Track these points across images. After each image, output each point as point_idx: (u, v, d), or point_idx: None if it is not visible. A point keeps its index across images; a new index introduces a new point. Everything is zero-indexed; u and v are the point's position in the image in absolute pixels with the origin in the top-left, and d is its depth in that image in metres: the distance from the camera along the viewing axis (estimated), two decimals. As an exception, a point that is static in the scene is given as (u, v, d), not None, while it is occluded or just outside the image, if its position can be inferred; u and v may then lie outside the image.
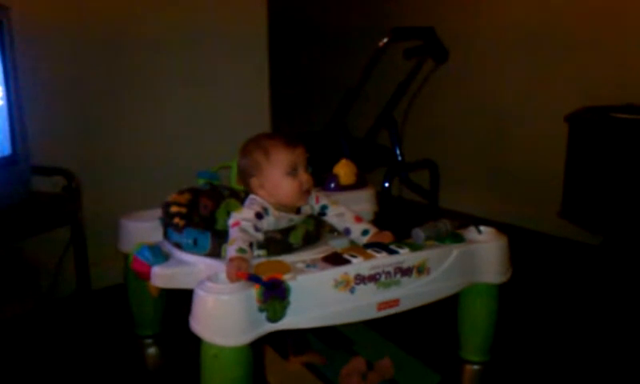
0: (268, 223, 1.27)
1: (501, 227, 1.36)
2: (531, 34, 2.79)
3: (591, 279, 2.26)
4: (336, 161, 1.69)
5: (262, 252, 1.21)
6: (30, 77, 1.79)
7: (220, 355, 1.01)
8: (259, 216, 1.24)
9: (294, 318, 1.05)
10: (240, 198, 1.47)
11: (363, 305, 1.12)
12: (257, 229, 1.21)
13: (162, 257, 1.26)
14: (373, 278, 1.11)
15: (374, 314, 1.13)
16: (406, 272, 1.15)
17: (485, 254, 1.28)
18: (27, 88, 1.72)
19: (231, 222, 1.21)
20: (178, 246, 1.27)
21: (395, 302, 1.15)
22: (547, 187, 2.66)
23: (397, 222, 1.51)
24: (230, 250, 1.11)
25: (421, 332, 1.75)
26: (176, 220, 1.30)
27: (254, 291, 1.01)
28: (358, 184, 1.65)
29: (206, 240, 1.23)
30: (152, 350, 1.58)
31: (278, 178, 1.28)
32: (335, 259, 1.13)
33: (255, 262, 1.12)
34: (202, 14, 2.31)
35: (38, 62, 1.92)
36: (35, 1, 1.95)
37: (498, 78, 2.99)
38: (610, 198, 2.16)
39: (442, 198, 2.69)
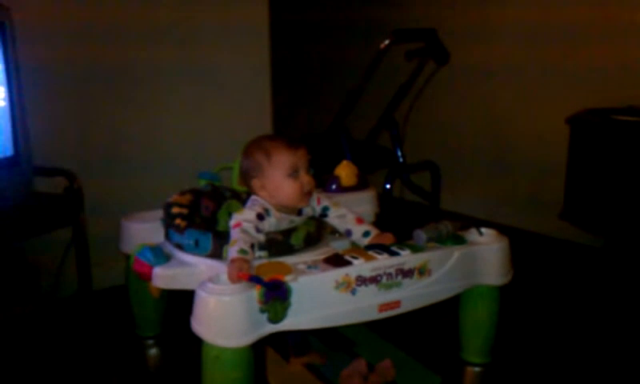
0: (269, 224, 1.27)
1: (502, 229, 1.36)
2: (532, 36, 2.80)
3: (592, 281, 2.26)
4: (337, 162, 1.69)
5: (263, 253, 1.21)
6: (32, 78, 1.79)
7: (221, 356, 1.01)
8: (260, 217, 1.25)
9: (295, 319, 1.05)
10: (241, 199, 1.47)
11: (364, 306, 1.12)
12: (258, 230, 1.21)
13: (164, 258, 1.26)
14: (374, 280, 1.11)
15: (375, 315, 1.13)
16: (407, 273, 1.15)
17: (486, 256, 1.28)
18: (29, 89, 1.72)
19: (232, 223, 1.21)
20: (180, 246, 1.28)
21: (396, 304, 1.15)
22: (548, 189, 2.66)
23: (398, 224, 1.51)
24: (232, 251, 1.12)
25: (422, 334, 1.75)
26: (177, 221, 1.30)
27: (256, 292, 1.01)
28: (360, 185, 1.65)
29: (208, 241, 1.23)
30: (153, 351, 1.58)
31: (279, 180, 1.28)
32: (336, 260, 1.13)
33: (256, 263, 1.12)
34: (204, 15, 2.32)
35: (39, 63, 1.92)
36: (37, 1, 1.96)
37: (500, 80, 2.99)
38: (611, 200, 2.16)
39: (444, 200, 2.69)
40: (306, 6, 4.21)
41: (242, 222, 1.20)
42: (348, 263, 1.11)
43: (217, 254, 1.22)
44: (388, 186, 2.41)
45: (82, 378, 1.61)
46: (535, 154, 2.83)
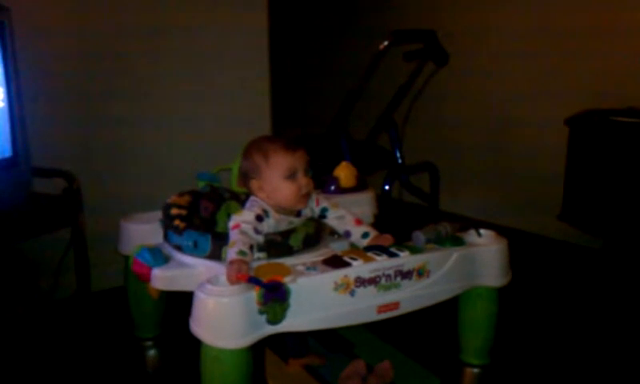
0: (268, 226, 1.27)
1: (501, 230, 1.36)
2: (532, 36, 2.80)
3: (591, 283, 2.26)
4: (336, 163, 1.69)
5: (262, 254, 1.21)
6: (31, 78, 1.79)
7: (220, 357, 1.02)
8: (259, 218, 1.25)
9: (294, 321, 1.05)
10: (240, 200, 1.47)
11: (363, 307, 1.12)
12: (257, 231, 1.21)
13: (162, 259, 1.26)
14: (373, 281, 1.11)
15: (374, 316, 1.13)
16: (406, 275, 1.15)
17: (485, 257, 1.28)
18: (28, 90, 1.72)
19: (231, 224, 1.21)
20: (179, 248, 1.28)
21: (395, 305, 1.15)
22: (548, 190, 2.66)
23: (397, 225, 1.51)
24: (231, 253, 1.12)
25: (421, 335, 1.75)
26: (176, 222, 1.30)
27: (254, 293, 1.01)
28: (359, 187, 1.65)
29: (207, 242, 1.23)
30: (152, 352, 1.58)
31: (277, 182, 1.28)
32: (335, 262, 1.13)
33: (255, 264, 1.12)
34: (203, 16, 2.31)
35: (38, 64, 1.92)
36: (36, 2, 1.96)
37: (499, 80, 2.99)
38: (610, 201, 2.17)
39: (442, 201, 2.69)
40: (306, 7, 4.21)
41: (241, 223, 1.20)
42: (347, 264, 1.12)
43: (216, 256, 1.22)
44: (387, 187, 2.41)
45: (81, 379, 1.61)
46: (534, 155, 2.84)
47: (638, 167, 2.05)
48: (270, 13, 2.52)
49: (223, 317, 1.00)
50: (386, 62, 2.41)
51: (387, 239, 1.30)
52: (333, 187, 1.62)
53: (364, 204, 1.62)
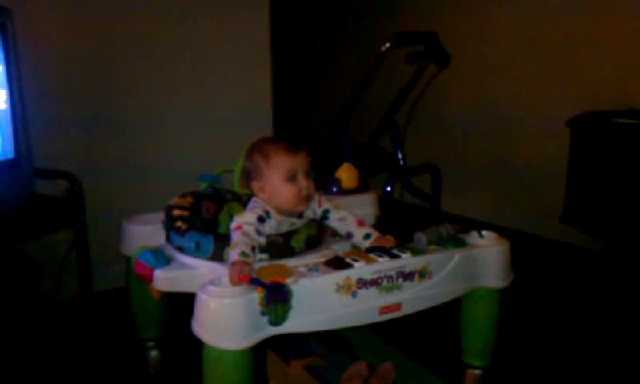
0: (270, 227, 1.27)
1: (503, 232, 1.36)
2: (533, 39, 2.80)
3: (593, 284, 2.26)
4: (338, 165, 1.69)
5: (264, 256, 1.21)
6: (33, 80, 1.80)
7: (222, 358, 1.02)
8: (261, 219, 1.25)
9: (296, 322, 1.05)
10: (242, 201, 1.47)
11: (365, 309, 1.12)
12: (259, 232, 1.21)
13: (164, 260, 1.26)
14: (375, 282, 1.11)
15: (376, 318, 1.13)
16: (407, 276, 1.15)
17: (487, 259, 1.28)
18: (30, 91, 1.72)
19: (233, 225, 1.22)
20: (181, 249, 1.28)
21: (397, 306, 1.15)
22: (549, 192, 2.66)
23: (399, 227, 1.51)
24: (233, 254, 1.12)
25: (423, 336, 1.75)
26: (178, 223, 1.30)
27: (257, 295, 1.01)
28: (360, 188, 1.65)
29: (209, 243, 1.23)
30: (154, 353, 1.58)
31: (277, 183, 1.28)
32: (337, 263, 1.13)
33: (257, 265, 1.12)
34: (205, 17, 2.32)
35: (41, 65, 1.93)
36: (38, 4, 1.96)
37: (500, 82, 2.99)
38: (612, 203, 2.16)
39: (444, 203, 2.69)
40: (308, 8, 4.21)
41: (243, 224, 1.20)
42: (349, 266, 1.12)
43: (218, 257, 1.22)
44: (389, 189, 2.41)
45: (83, 380, 1.61)
46: (536, 156, 2.83)
47: (639, 169, 2.05)
48: (272, 14, 2.52)
49: (225, 318, 1.01)
50: (387, 63, 2.42)
51: (389, 240, 1.30)
52: (334, 189, 1.62)
53: (366, 205, 1.62)
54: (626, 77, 2.42)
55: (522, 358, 1.69)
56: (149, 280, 1.25)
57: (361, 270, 1.11)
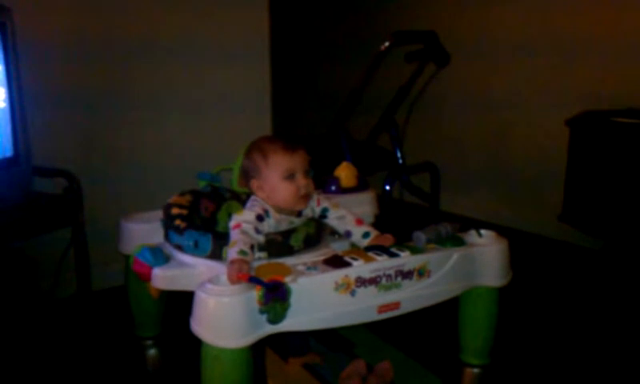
0: (269, 225, 1.27)
1: (501, 230, 1.36)
2: (532, 38, 2.80)
3: (591, 283, 2.26)
4: (337, 163, 1.69)
5: (262, 254, 1.21)
6: (32, 78, 1.80)
7: (220, 357, 1.01)
8: (260, 218, 1.25)
9: (295, 320, 1.05)
10: (241, 200, 1.47)
11: (364, 307, 1.12)
12: (258, 231, 1.21)
13: (163, 258, 1.26)
14: (373, 281, 1.11)
15: (375, 316, 1.13)
16: (406, 275, 1.15)
17: (485, 258, 1.28)
18: (29, 90, 1.72)
19: (232, 224, 1.22)
20: (179, 247, 1.28)
21: (396, 305, 1.15)
22: (548, 191, 2.67)
23: (398, 225, 1.51)
24: (231, 252, 1.12)
25: (421, 335, 1.75)
26: (177, 222, 1.30)
27: (255, 293, 1.01)
28: (359, 187, 1.65)
29: (207, 242, 1.23)
30: (152, 352, 1.58)
31: (276, 182, 1.28)
32: (336, 262, 1.13)
33: (256, 264, 1.12)
34: (204, 15, 2.32)
35: (40, 64, 1.93)
36: (37, 3, 1.96)
37: (499, 81, 2.99)
38: (610, 202, 2.17)
39: (443, 201, 2.69)
40: (307, 7, 4.21)
41: (242, 223, 1.20)
42: (347, 264, 1.12)
43: (216, 255, 1.22)
44: (388, 188, 2.41)
45: (81, 378, 1.61)
46: (535, 155, 2.84)
47: (638, 168, 2.05)
48: (271, 13, 2.52)
49: (224, 316, 1.00)
50: (386, 62, 2.42)
51: (388, 239, 1.30)
52: (333, 187, 1.62)
53: (365, 204, 1.62)
54: (625, 76, 2.43)
55: (521, 357, 1.70)
56: (147, 278, 1.25)
57: (360, 268, 1.11)
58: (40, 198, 1.77)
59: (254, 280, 1.02)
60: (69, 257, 1.87)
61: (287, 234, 1.27)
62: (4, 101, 1.61)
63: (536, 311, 2.02)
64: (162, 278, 1.23)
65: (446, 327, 1.43)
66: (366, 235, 1.34)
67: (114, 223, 1.50)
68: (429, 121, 3.18)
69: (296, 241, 1.26)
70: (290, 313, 1.04)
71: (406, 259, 1.15)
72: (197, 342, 1.03)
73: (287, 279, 1.04)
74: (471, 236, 1.32)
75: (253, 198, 1.32)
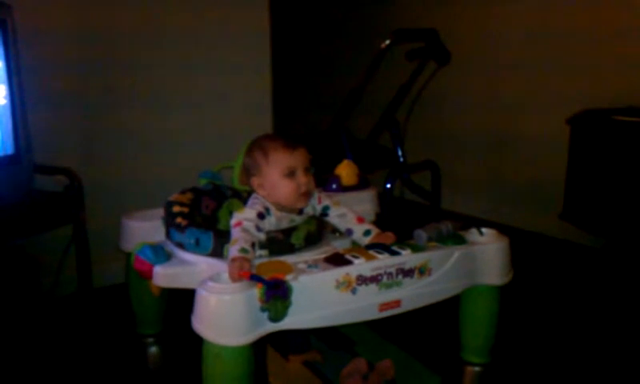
0: (270, 223, 1.27)
1: (502, 229, 1.36)
2: (533, 36, 2.80)
3: (592, 282, 2.26)
4: (338, 162, 1.69)
5: (263, 252, 1.22)
6: (33, 76, 1.79)
7: (222, 354, 1.02)
8: (261, 216, 1.25)
9: (296, 318, 1.05)
10: (242, 198, 1.47)
11: (365, 305, 1.12)
12: (259, 229, 1.21)
13: (164, 256, 1.26)
14: (374, 279, 1.11)
15: (376, 314, 1.13)
16: (407, 273, 1.15)
17: (486, 256, 1.28)
18: (30, 87, 1.72)
19: (233, 222, 1.22)
20: (180, 245, 1.28)
21: (397, 303, 1.15)
22: (549, 189, 2.67)
23: (398, 223, 1.51)
24: (232, 250, 1.12)
25: (422, 333, 1.75)
26: (178, 219, 1.30)
27: (256, 291, 1.01)
28: (360, 185, 1.65)
29: (208, 240, 1.23)
30: (153, 349, 1.58)
31: (276, 180, 1.28)
32: (337, 260, 1.13)
33: (257, 262, 1.12)
34: (205, 15, 2.32)
35: (41, 61, 1.93)
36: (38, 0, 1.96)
37: (500, 79, 2.99)
38: (611, 200, 2.16)
39: (444, 200, 2.69)
40: (308, 5, 4.21)
41: (243, 220, 1.21)
42: (348, 262, 1.12)
43: (217, 253, 1.22)
44: (389, 186, 2.41)
45: (82, 376, 1.62)
46: (536, 153, 2.84)
47: (639, 166, 2.05)
48: (272, 11, 2.52)
49: (225, 314, 1.01)
50: (387, 60, 2.41)
51: (389, 237, 1.30)
52: (334, 185, 1.62)
53: (366, 202, 1.62)
54: (626, 74, 2.42)
55: (522, 356, 1.70)
56: (148, 276, 1.25)
57: (360, 266, 1.11)
58: (41, 195, 1.77)
59: (255, 278, 1.02)
60: (70, 254, 1.87)
61: (288, 231, 1.27)
62: (5, 98, 1.61)
63: (537, 310, 2.02)
64: (163, 275, 1.23)
65: (446, 325, 1.43)
66: (367, 233, 1.34)
67: (115, 221, 1.50)
68: (430, 119, 3.18)
69: (297, 239, 1.26)
70: (291, 311, 1.04)
71: (407, 257, 1.16)
72: (198, 340, 1.03)
73: (288, 277, 1.04)
74: (472, 234, 1.32)
75: (254, 195, 1.32)
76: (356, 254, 1.15)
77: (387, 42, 2.34)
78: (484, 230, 1.32)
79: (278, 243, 1.24)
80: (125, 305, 1.57)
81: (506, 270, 1.31)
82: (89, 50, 2.08)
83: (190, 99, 2.33)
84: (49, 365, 1.66)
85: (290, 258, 1.18)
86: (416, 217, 1.75)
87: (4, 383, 1.58)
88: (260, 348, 1.26)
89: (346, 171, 1.64)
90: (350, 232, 1.37)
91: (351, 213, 1.38)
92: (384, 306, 1.13)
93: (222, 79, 2.39)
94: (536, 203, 2.85)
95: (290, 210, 1.32)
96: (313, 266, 1.11)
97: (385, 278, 1.12)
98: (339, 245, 1.34)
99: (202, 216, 1.42)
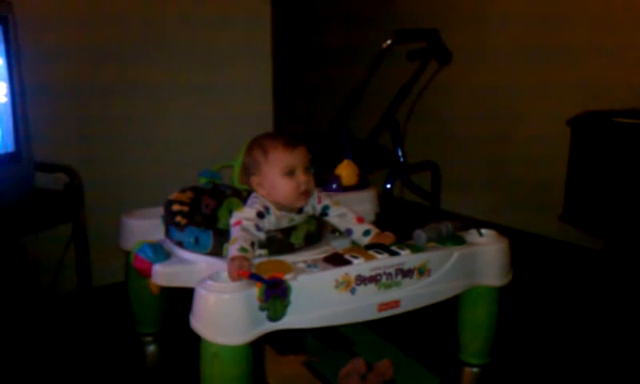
0: (269, 222, 1.27)
1: (502, 230, 1.36)
2: (534, 37, 2.79)
3: (592, 283, 2.26)
4: (338, 162, 1.69)
5: (263, 251, 1.21)
6: (34, 74, 1.79)
7: (220, 354, 1.02)
8: (261, 215, 1.25)
9: (295, 318, 1.05)
10: (242, 197, 1.47)
11: (364, 305, 1.12)
12: (258, 228, 1.21)
13: (164, 255, 1.26)
14: (374, 279, 1.11)
15: (375, 314, 1.13)
16: (406, 273, 1.15)
17: (486, 257, 1.28)
18: (31, 85, 1.72)
19: (233, 221, 1.22)
20: (180, 244, 1.28)
21: (396, 304, 1.15)
22: (549, 190, 2.66)
23: (398, 224, 1.51)
24: (232, 249, 1.12)
25: (421, 334, 1.75)
26: (178, 218, 1.30)
27: (255, 290, 1.01)
28: (360, 185, 1.65)
29: (208, 239, 1.23)
30: (152, 348, 1.58)
31: (275, 179, 1.28)
32: (336, 260, 1.13)
33: (257, 261, 1.12)
34: (205, 13, 2.31)
35: (41, 60, 1.92)
36: (39, -2, 1.96)
37: (501, 80, 2.99)
38: (611, 202, 2.16)
39: (444, 200, 2.69)
40: (308, 4, 4.21)
41: (243, 220, 1.21)
42: (348, 262, 1.12)
43: (217, 252, 1.22)
44: (389, 186, 2.41)
45: (81, 374, 1.62)
46: (536, 155, 2.83)
47: (639, 168, 2.05)
48: (273, 10, 2.52)
49: (224, 313, 1.01)
50: (388, 60, 2.41)
51: (388, 237, 1.30)
52: (334, 185, 1.62)
53: (365, 202, 1.62)
54: (627, 76, 2.42)
55: (521, 357, 1.69)
56: (148, 275, 1.25)
57: (360, 266, 1.11)
58: (41, 193, 1.78)
59: (254, 277, 1.02)
60: (69, 253, 1.88)
61: (288, 231, 1.27)
62: (5, 96, 1.61)
63: (536, 311, 2.02)
64: (163, 274, 1.23)
65: (445, 326, 1.42)
66: (366, 233, 1.34)
67: (115, 219, 1.50)
68: (430, 119, 3.17)
69: (297, 238, 1.26)
70: (290, 310, 1.04)
71: (407, 258, 1.16)
72: (197, 339, 1.03)
73: (287, 277, 1.04)
74: (472, 235, 1.32)
75: (253, 195, 1.32)
76: (355, 254, 1.15)
77: (388, 41, 2.34)
78: (484, 230, 1.32)
79: (278, 242, 1.24)
80: (124, 303, 1.57)
81: (505, 271, 1.31)
82: (90, 49, 2.08)
83: (191, 98, 2.33)
84: (48, 362, 1.66)
85: (289, 258, 1.18)
86: (416, 217, 1.75)
87: (4, 382, 1.58)
88: (258, 347, 1.26)
89: (346, 171, 1.64)
90: (349, 232, 1.37)
91: (351, 213, 1.38)
92: (383, 306, 1.13)
93: (222, 79, 2.39)
94: (536, 204, 2.85)
95: (290, 210, 1.32)
96: (312, 265, 1.11)
97: (384, 279, 1.12)
98: (339, 245, 1.34)
99: (202, 215, 1.42)
